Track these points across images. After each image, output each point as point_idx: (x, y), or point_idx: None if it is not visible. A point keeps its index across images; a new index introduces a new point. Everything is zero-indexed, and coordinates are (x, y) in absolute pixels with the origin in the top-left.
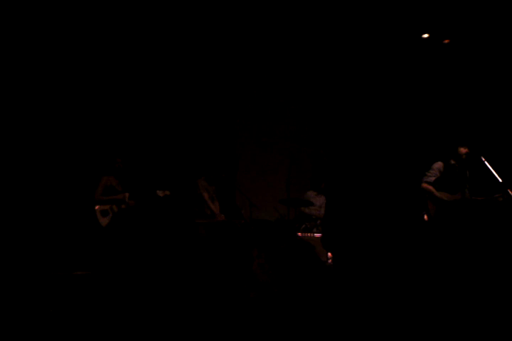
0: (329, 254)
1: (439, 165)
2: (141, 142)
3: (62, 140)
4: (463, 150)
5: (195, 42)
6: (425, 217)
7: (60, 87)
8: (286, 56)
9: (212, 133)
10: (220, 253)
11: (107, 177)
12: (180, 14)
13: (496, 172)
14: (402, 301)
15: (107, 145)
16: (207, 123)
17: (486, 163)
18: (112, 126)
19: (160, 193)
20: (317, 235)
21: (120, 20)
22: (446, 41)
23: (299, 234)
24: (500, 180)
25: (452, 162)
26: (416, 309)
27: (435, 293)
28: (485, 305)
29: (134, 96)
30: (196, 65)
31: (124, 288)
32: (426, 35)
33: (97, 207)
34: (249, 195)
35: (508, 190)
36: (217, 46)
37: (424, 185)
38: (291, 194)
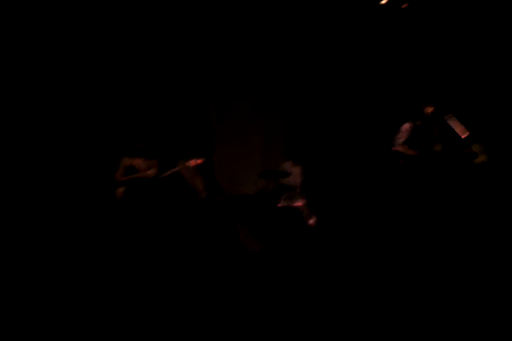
0: (311, 220)
1: (406, 126)
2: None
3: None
4: (429, 109)
5: (166, 16)
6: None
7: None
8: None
9: (186, 109)
10: (206, 229)
11: (129, 159)
12: None
13: (461, 128)
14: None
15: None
16: (180, 99)
17: (451, 120)
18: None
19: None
20: (298, 204)
21: None
22: (405, 5)
23: (280, 204)
24: (464, 136)
25: (419, 122)
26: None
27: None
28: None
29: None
30: (168, 38)
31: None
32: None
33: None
34: (227, 171)
35: (472, 146)
36: (189, 19)
37: (395, 147)
38: (269, 166)
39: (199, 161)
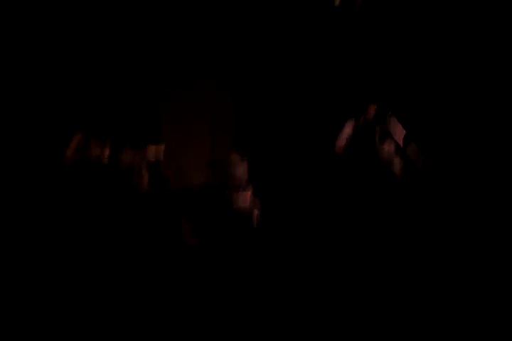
0: (256, 211)
1: (349, 125)
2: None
3: None
4: (372, 107)
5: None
6: None
7: None
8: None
9: (134, 97)
10: (150, 223)
11: (82, 136)
12: None
13: (402, 128)
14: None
15: None
16: (128, 87)
17: (392, 118)
18: None
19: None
20: (244, 195)
21: None
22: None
23: (227, 195)
24: (406, 135)
25: (362, 119)
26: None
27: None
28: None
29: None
30: (115, 28)
31: None
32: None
33: None
34: (175, 161)
35: (412, 143)
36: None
37: (337, 144)
38: (216, 158)
39: (161, 147)
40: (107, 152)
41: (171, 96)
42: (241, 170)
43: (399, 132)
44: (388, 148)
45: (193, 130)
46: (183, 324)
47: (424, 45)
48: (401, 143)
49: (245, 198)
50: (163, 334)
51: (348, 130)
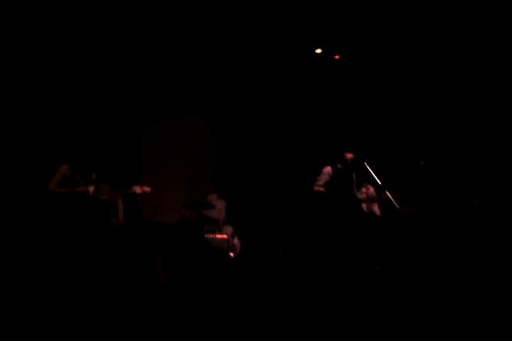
0: (231, 254)
1: (328, 169)
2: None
3: None
4: (348, 155)
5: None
6: None
7: None
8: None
9: (115, 135)
10: (123, 256)
11: (68, 169)
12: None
13: (376, 176)
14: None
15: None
16: (109, 123)
17: (367, 167)
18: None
19: (138, 189)
20: (219, 236)
21: None
22: (337, 57)
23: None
24: (379, 183)
25: (339, 166)
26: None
27: None
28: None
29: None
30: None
31: None
32: (319, 51)
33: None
34: (151, 198)
35: (386, 191)
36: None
37: (316, 188)
38: (194, 197)
39: (147, 189)
40: (91, 187)
41: (152, 135)
42: (218, 211)
43: (373, 179)
44: (366, 190)
45: (172, 169)
46: None
47: (399, 93)
48: (374, 190)
49: (223, 238)
50: None
51: (326, 173)
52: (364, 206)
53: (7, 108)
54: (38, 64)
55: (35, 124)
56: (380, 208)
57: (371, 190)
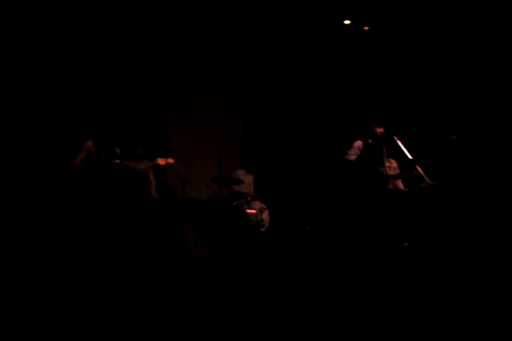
0: (261, 229)
1: (358, 143)
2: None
3: None
4: (379, 129)
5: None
6: None
7: None
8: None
9: (141, 111)
10: (155, 231)
11: (92, 144)
12: None
13: (407, 150)
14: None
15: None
16: (136, 101)
17: (398, 141)
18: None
19: (161, 161)
20: (248, 211)
21: None
22: (366, 28)
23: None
24: (410, 157)
25: (370, 141)
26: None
27: None
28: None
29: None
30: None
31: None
32: (348, 22)
33: None
34: (181, 174)
35: (417, 166)
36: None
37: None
38: (222, 173)
39: (170, 160)
40: (116, 160)
41: (179, 111)
42: (246, 186)
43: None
44: (389, 165)
45: (200, 145)
46: (185, 333)
47: (428, 66)
48: (397, 164)
49: (252, 210)
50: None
51: (357, 147)
52: (389, 182)
53: (32, 85)
54: (63, 42)
55: (60, 100)
56: (404, 182)
57: (394, 164)
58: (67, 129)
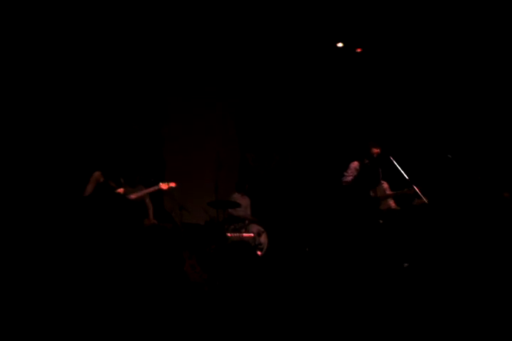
0: (258, 252)
1: (355, 164)
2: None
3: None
4: (375, 150)
5: (124, 34)
6: None
7: None
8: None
9: (140, 136)
10: (152, 256)
11: (100, 174)
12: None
13: (402, 170)
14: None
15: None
16: (134, 125)
17: (394, 161)
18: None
19: (163, 185)
20: (245, 235)
21: None
22: (359, 50)
23: (229, 234)
24: (407, 177)
25: (366, 161)
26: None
27: None
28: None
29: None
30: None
31: None
32: (340, 45)
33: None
34: (178, 198)
35: (413, 186)
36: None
37: (344, 184)
38: (219, 196)
39: (172, 184)
40: (121, 190)
41: (176, 136)
42: (243, 209)
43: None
44: (383, 185)
45: (196, 169)
46: None
47: (422, 86)
48: (387, 185)
49: (249, 236)
50: None
51: (353, 168)
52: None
53: (40, 117)
54: (59, 74)
55: (68, 136)
56: (396, 202)
57: (385, 185)
58: (68, 158)
